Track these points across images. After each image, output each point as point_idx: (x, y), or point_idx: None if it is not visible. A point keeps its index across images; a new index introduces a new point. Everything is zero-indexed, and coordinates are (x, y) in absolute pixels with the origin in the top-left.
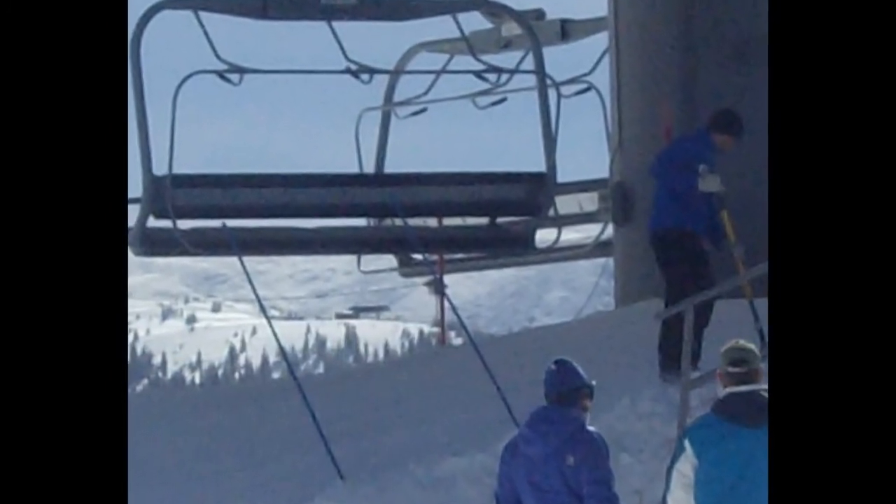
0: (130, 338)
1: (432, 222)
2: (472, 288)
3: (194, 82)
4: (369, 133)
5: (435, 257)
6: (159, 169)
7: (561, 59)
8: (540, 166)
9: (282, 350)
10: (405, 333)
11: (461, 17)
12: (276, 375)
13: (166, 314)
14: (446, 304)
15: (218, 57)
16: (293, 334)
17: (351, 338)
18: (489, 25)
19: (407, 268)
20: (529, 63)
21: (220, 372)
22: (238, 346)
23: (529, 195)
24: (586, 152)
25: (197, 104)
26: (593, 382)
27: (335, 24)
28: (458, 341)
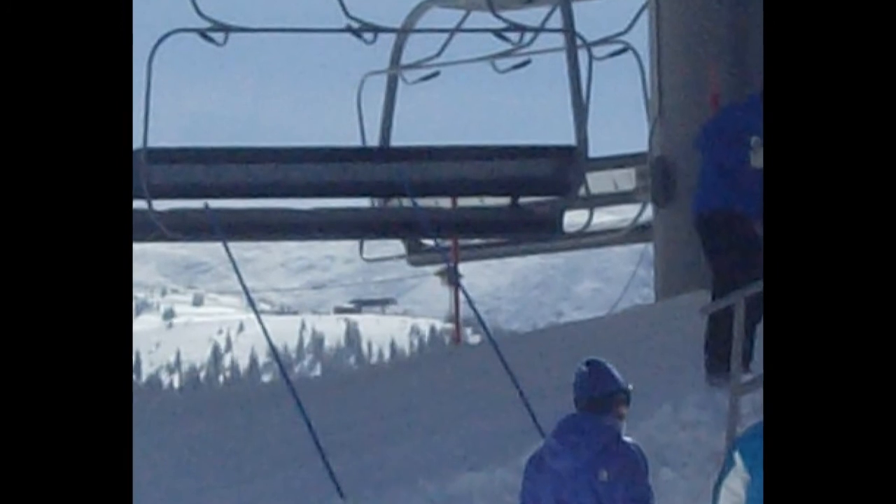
0: None
1: (445, 203)
2: (491, 278)
3: (173, 42)
4: (373, 100)
5: (449, 243)
6: (133, 142)
7: (593, 16)
8: (569, 139)
9: (273, 349)
10: (414, 330)
11: None
12: (266, 378)
13: (140, 308)
14: (461, 296)
15: (200, 13)
16: (286, 331)
17: (352, 335)
18: None
19: (416, 255)
20: (557, 20)
21: (203, 374)
22: (223, 344)
23: (557, 172)
24: (622, 123)
25: (176, 67)
26: (630, 386)
27: None
28: (474, 339)
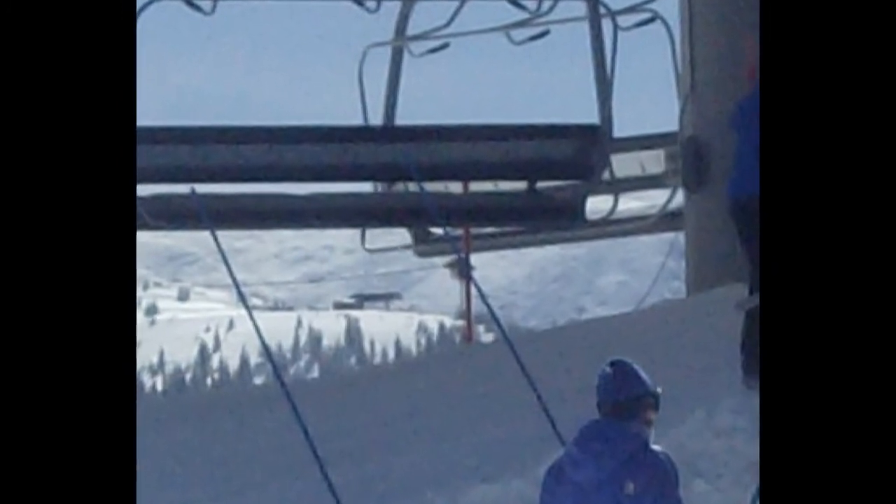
0: None
1: (456, 188)
2: (506, 270)
3: (155, 11)
4: (376, 75)
5: (459, 232)
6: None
7: None
8: (592, 117)
9: (266, 349)
10: (421, 328)
11: None
12: (258, 380)
13: None
14: (473, 290)
15: None
16: (280, 329)
17: (353, 333)
18: None
19: (424, 245)
20: None
21: (188, 376)
22: (210, 343)
23: (578, 153)
24: (650, 99)
25: (159, 39)
26: (659, 389)
27: None
28: (487, 337)
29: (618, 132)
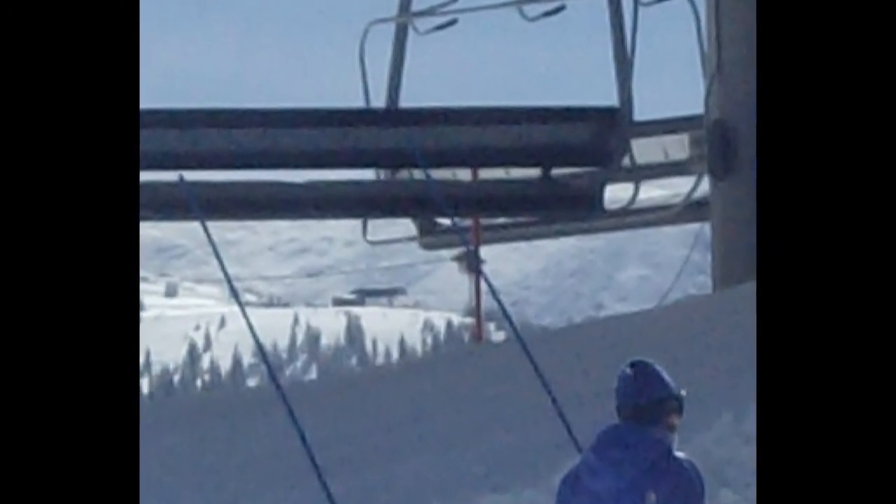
0: None
1: (464, 175)
2: (518, 264)
3: None
4: (379, 54)
5: (468, 222)
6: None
7: None
8: (611, 99)
9: (260, 348)
10: (427, 326)
11: None
12: (252, 382)
13: None
14: (483, 285)
15: None
16: (276, 327)
17: (353, 332)
18: None
19: (430, 237)
20: None
21: (177, 378)
22: (201, 342)
23: (596, 138)
24: (673, 80)
25: (146, 16)
26: (683, 392)
27: None
28: (498, 336)
29: (638, 115)
